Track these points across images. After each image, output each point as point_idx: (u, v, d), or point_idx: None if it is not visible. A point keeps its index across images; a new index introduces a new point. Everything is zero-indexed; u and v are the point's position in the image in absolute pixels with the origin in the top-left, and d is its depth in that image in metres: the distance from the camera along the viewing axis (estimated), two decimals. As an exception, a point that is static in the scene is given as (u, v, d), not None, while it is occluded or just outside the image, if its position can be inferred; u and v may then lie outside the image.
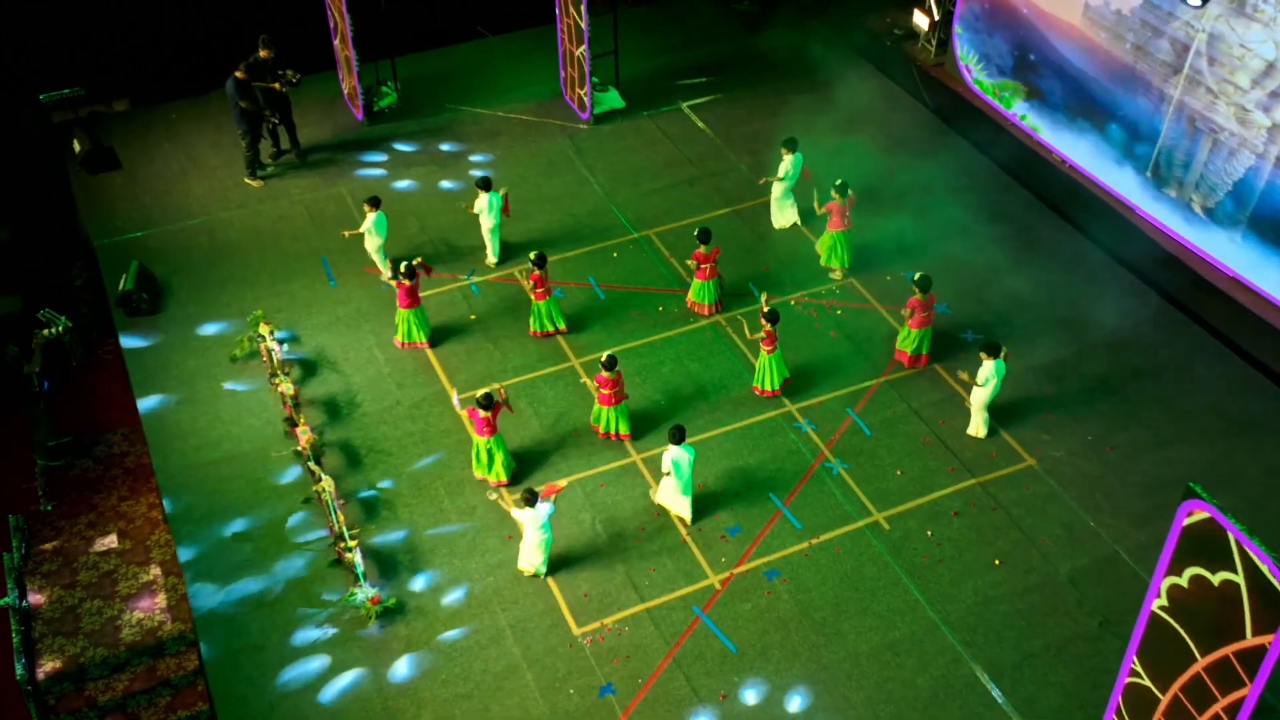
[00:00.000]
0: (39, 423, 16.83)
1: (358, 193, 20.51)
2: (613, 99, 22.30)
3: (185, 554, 15.09)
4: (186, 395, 17.15)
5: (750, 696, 13.57)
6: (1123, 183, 19.69)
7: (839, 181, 18.41)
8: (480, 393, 15.35)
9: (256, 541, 15.28)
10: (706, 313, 18.19)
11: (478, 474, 15.88)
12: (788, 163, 19.13)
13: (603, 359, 15.87)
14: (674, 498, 15.33)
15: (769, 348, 16.63)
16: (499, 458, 15.73)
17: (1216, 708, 10.32)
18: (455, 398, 16.31)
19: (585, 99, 21.74)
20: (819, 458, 16.15)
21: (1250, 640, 9.58)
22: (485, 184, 18.50)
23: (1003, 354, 15.81)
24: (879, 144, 21.52)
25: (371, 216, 18.05)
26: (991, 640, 14.11)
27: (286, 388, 16.56)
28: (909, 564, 14.91)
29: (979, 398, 16.14)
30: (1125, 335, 17.90)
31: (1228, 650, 9.88)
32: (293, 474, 16.05)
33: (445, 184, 20.96)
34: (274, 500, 15.76)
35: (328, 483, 15.10)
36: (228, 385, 17.26)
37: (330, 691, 13.72)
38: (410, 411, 16.90)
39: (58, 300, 17.95)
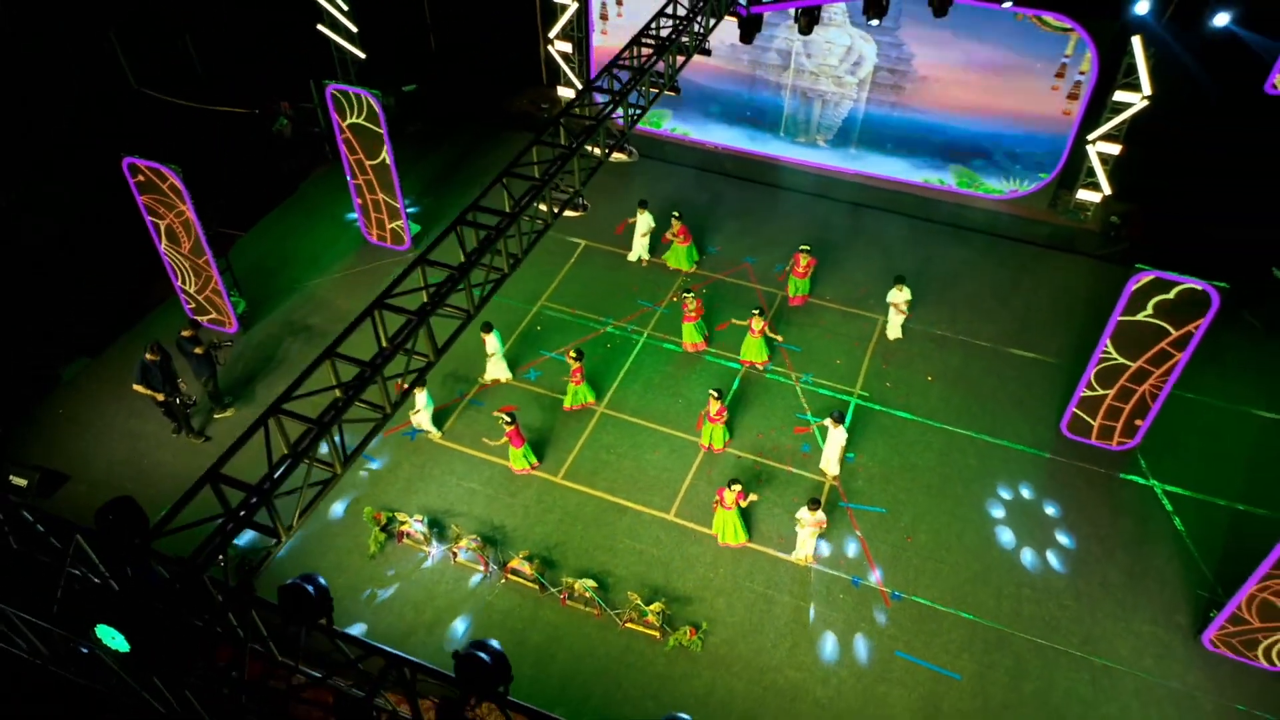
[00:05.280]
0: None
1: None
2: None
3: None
4: (367, 604, 14.50)
5: (925, 527, 15.61)
6: (765, 146, 23.13)
7: (676, 213, 19.69)
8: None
9: (559, 662, 13.90)
10: (702, 348, 18.59)
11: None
12: (645, 219, 19.83)
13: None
14: (832, 463, 16.33)
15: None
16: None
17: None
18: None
19: (404, 233, 20.16)
20: (796, 380, 18.08)
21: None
22: (487, 327, 17.25)
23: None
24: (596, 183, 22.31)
25: (421, 396, 16.26)
26: (971, 417, 17.35)
27: (468, 542, 14.76)
28: (903, 405, 17.51)
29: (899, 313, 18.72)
30: (840, 229, 21.43)
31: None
32: (520, 602, 14.59)
33: (348, 343, 18.17)
34: (537, 627, 14.24)
35: (585, 583, 14.22)
36: (389, 576, 14.86)
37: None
38: (540, 502, 15.81)
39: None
